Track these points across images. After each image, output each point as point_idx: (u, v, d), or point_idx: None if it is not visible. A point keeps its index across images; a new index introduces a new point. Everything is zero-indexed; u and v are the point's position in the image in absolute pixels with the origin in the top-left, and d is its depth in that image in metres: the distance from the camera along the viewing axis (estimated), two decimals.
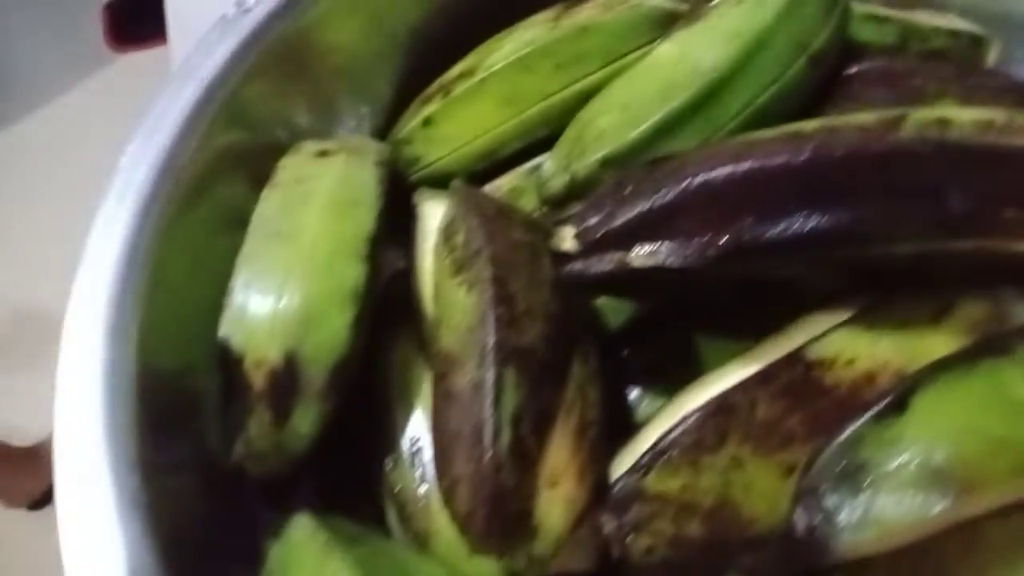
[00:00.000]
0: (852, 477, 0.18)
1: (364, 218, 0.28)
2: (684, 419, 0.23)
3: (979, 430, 0.18)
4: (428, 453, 0.27)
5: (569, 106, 0.32)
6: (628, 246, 0.23)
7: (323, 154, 0.30)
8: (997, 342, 0.19)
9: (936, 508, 0.17)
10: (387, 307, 0.30)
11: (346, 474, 0.30)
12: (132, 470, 0.23)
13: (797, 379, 0.23)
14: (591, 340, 0.26)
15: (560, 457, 0.23)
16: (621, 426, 0.27)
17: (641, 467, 0.23)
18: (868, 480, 0.18)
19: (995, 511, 0.18)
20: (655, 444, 0.23)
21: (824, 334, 0.23)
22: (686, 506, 0.22)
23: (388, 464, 0.28)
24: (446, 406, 0.24)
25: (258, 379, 0.25)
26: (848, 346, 0.23)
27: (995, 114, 0.21)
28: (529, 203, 0.32)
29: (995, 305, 0.23)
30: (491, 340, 0.23)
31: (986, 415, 0.18)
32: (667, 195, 0.23)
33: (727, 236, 0.22)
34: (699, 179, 0.22)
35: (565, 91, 0.32)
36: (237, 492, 0.27)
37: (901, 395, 0.18)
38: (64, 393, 0.24)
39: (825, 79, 0.29)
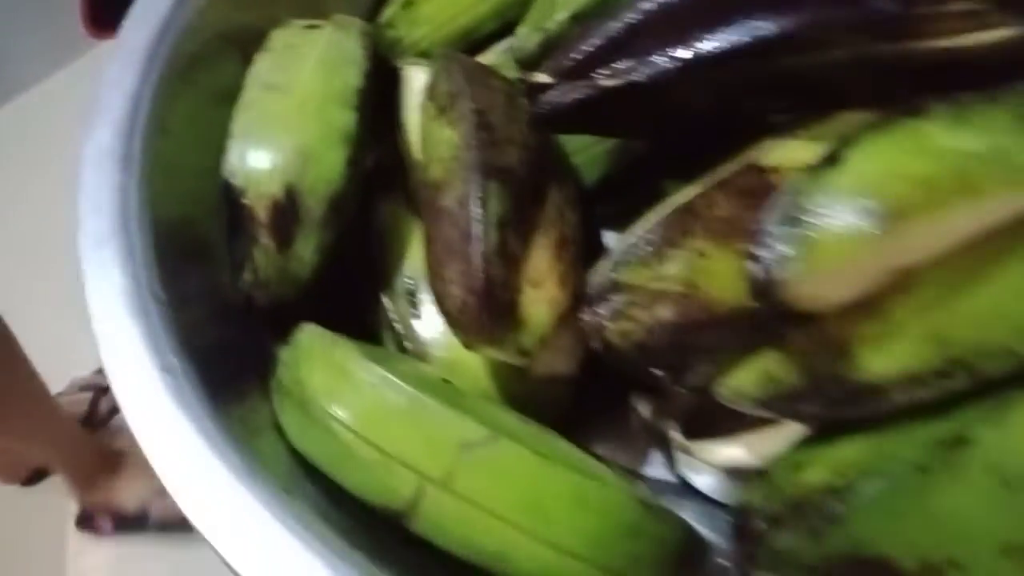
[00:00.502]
0: (794, 219, 0.20)
1: (352, 74, 0.30)
2: (650, 221, 0.25)
3: (905, 173, 0.20)
4: (422, 289, 0.29)
5: None
6: (597, 70, 0.26)
7: (311, 27, 0.32)
8: (916, 105, 0.21)
9: (868, 235, 0.20)
10: (375, 178, 0.32)
11: (346, 314, 0.32)
12: (154, 280, 0.25)
13: (752, 181, 0.25)
14: (568, 173, 0.29)
15: (542, 262, 0.26)
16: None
17: (614, 262, 0.25)
18: (808, 220, 0.20)
19: (925, 254, 0.21)
20: (626, 245, 0.25)
21: (777, 144, 0.26)
22: (657, 294, 0.24)
23: (385, 301, 0.30)
24: (437, 223, 0.26)
25: (261, 211, 0.27)
26: (795, 154, 0.25)
27: None
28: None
29: None
30: (475, 158, 0.25)
31: (911, 160, 0.20)
32: (628, 19, 0.25)
33: (683, 49, 0.24)
34: (652, 2, 0.25)
35: None
36: (246, 323, 0.29)
37: (835, 151, 0.21)
38: (86, 245, 0.26)
39: None
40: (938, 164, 0.20)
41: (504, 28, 0.35)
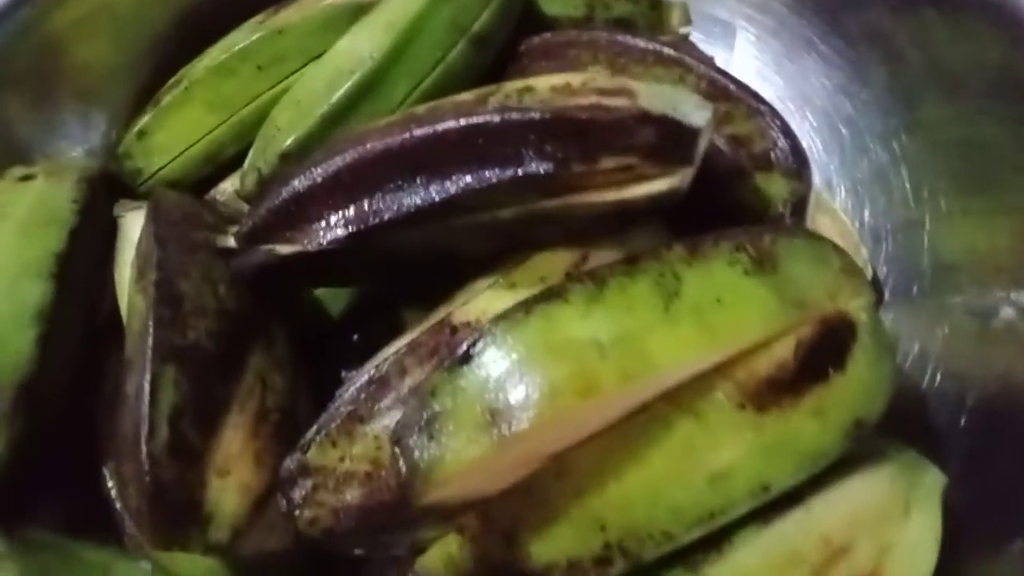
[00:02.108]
0: (428, 425, 0.20)
1: (54, 237, 0.28)
2: (343, 393, 0.24)
3: (536, 367, 0.19)
4: None
5: (276, 101, 0.33)
6: (274, 238, 0.25)
7: (25, 179, 0.31)
8: (555, 288, 0.21)
9: (494, 442, 0.19)
10: (105, 335, 0.30)
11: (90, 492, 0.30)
12: None
13: (443, 341, 0.24)
14: (280, 329, 0.28)
15: (234, 444, 0.25)
16: None
17: (304, 444, 0.24)
18: (440, 426, 0.19)
19: (561, 444, 0.20)
20: (317, 422, 0.24)
21: (469, 299, 0.25)
22: (345, 475, 0.23)
23: (106, 476, 0.28)
24: (120, 411, 0.25)
25: None
26: (489, 306, 0.24)
27: (575, 77, 0.23)
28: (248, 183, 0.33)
29: (624, 254, 0.25)
30: (150, 342, 0.24)
31: (538, 356, 0.19)
32: (297, 187, 0.24)
33: (350, 218, 0.23)
34: (320, 168, 0.24)
35: (271, 91, 0.33)
36: None
37: (468, 348, 0.20)
38: None
39: (500, 55, 0.31)
40: (560, 362, 0.19)
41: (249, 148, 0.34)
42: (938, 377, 0.29)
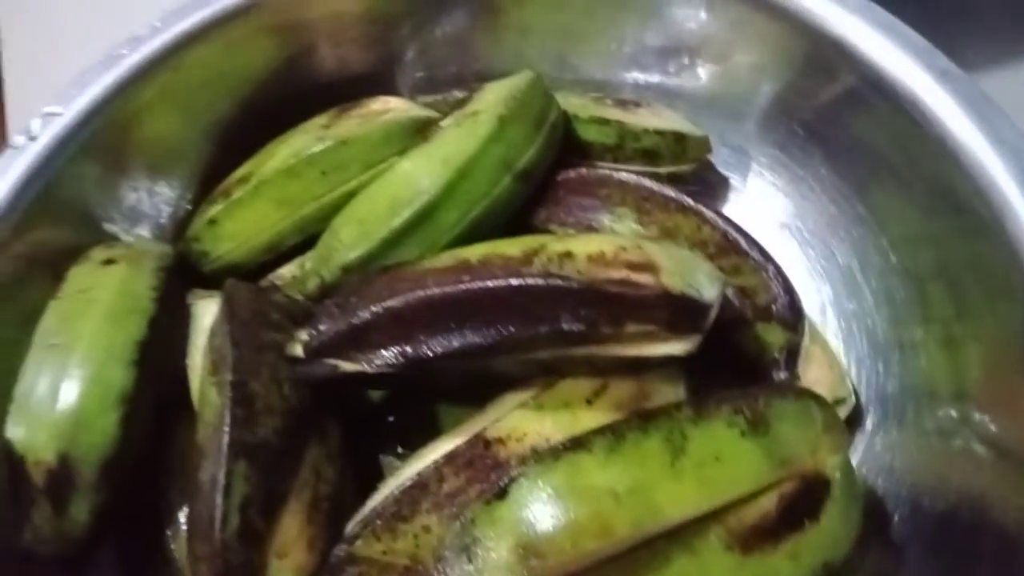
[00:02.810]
0: (468, 550, 0.23)
1: (135, 325, 0.32)
2: (388, 493, 0.28)
3: (558, 511, 0.23)
4: None
5: (337, 204, 0.36)
6: (339, 355, 0.29)
7: (108, 262, 0.34)
8: (580, 439, 0.25)
9: (523, 573, 0.23)
10: (178, 398, 0.34)
11: (147, 546, 0.34)
12: None
13: (478, 455, 0.28)
14: (334, 424, 0.31)
15: (291, 531, 0.28)
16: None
17: (351, 536, 0.28)
18: (478, 552, 0.23)
19: (586, 565, 0.24)
20: (364, 516, 0.28)
21: (503, 416, 0.29)
22: (386, 567, 0.27)
23: (169, 538, 0.32)
24: (194, 496, 0.28)
25: (38, 476, 0.29)
26: (520, 425, 0.28)
27: (609, 245, 0.27)
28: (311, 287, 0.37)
29: (640, 386, 0.29)
30: (225, 440, 0.28)
31: (563, 499, 0.23)
32: (364, 316, 0.28)
33: (407, 349, 0.27)
34: (385, 305, 0.27)
35: (332, 193, 0.37)
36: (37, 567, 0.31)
37: (504, 485, 0.24)
38: None
39: (541, 183, 0.35)
40: (582, 506, 0.23)
41: (307, 240, 0.38)
42: (903, 491, 0.33)
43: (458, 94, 0.41)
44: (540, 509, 0.23)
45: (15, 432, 0.30)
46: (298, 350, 0.30)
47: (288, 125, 0.41)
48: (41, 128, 0.35)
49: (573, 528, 0.23)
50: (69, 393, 0.30)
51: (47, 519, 0.30)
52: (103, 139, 0.37)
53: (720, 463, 0.24)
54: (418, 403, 0.35)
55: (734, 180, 0.42)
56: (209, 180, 0.41)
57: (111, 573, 0.33)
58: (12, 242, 0.34)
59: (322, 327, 0.29)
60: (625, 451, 0.24)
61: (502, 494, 0.24)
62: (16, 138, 0.35)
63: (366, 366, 0.28)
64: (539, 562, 0.23)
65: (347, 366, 0.28)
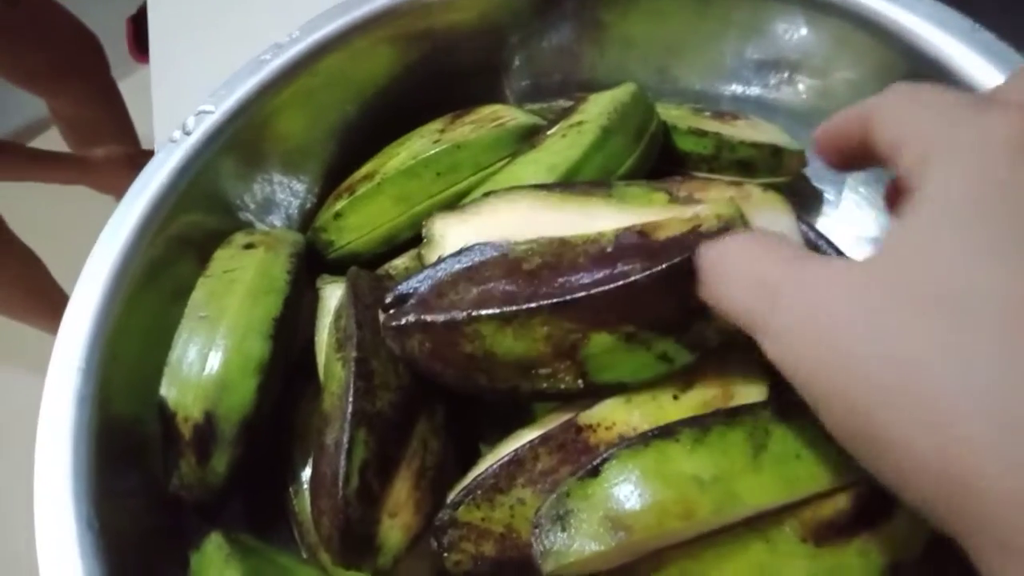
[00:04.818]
0: (562, 519, 0.26)
1: (273, 303, 0.36)
2: (488, 467, 0.31)
3: (645, 492, 0.26)
4: None
5: (449, 202, 0.40)
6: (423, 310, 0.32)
7: (248, 247, 0.39)
8: (669, 427, 0.27)
9: (611, 543, 0.25)
10: (301, 369, 0.38)
11: (271, 500, 0.38)
12: (89, 498, 0.32)
13: (569, 439, 0.31)
14: (440, 401, 0.35)
15: (401, 494, 0.32)
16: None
17: (455, 503, 0.31)
18: (571, 522, 0.26)
19: (660, 546, 0.26)
20: (466, 485, 0.31)
21: (593, 405, 0.31)
22: (484, 532, 0.30)
23: (291, 494, 0.36)
24: (319, 456, 0.32)
25: (186, 431, 0.34)
26: (609, 415, 0.31)
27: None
28: None
29: (724, 386, 0.31)
30: (349, 408, 0.31)
31: (650, 481, 0.26)
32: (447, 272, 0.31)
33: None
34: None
35: (445, 192, 0.40)
36: (179, 511, 0.36)
37: (597, 464, 0.26)
38: (41, 444, 0.33)
39: None
40: (668, 489, 0.26)
41: (420, 234, 0.41)
42: None
43: (563, 103, 0.43)
44: (629, 488, 0.26)
45: (169, 392, 0.35)
46: (388, 298, 0.33)
47: (405, 129, 0.45)
48: (195, 124, 0.40)
49: (658, 508, 0.25)
50: (215, 360, 0.34)
51: (192, 468, 0.34)
52: (245, 136, 0.42)
53: (800, 461, 0.26)
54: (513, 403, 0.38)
55: (828, 194, 0.43)
56: (333, 177, 0.46)
57: (239, 522, 0.38)
58: (167, 225, 0.39)
59: (409, 282, 0.33)
60: (710, 442, 0.26)
61: (595, 472, 0.26)
62: (174, 133, 0.39)
63: (442, 316, 0.31)
64: (626, 535, 0.25)
65: (430, 317, 0.31)
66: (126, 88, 1.35)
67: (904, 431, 0.17)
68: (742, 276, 0.23)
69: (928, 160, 0.20)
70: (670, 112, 0.41)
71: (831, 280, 0.20)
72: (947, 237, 0.18)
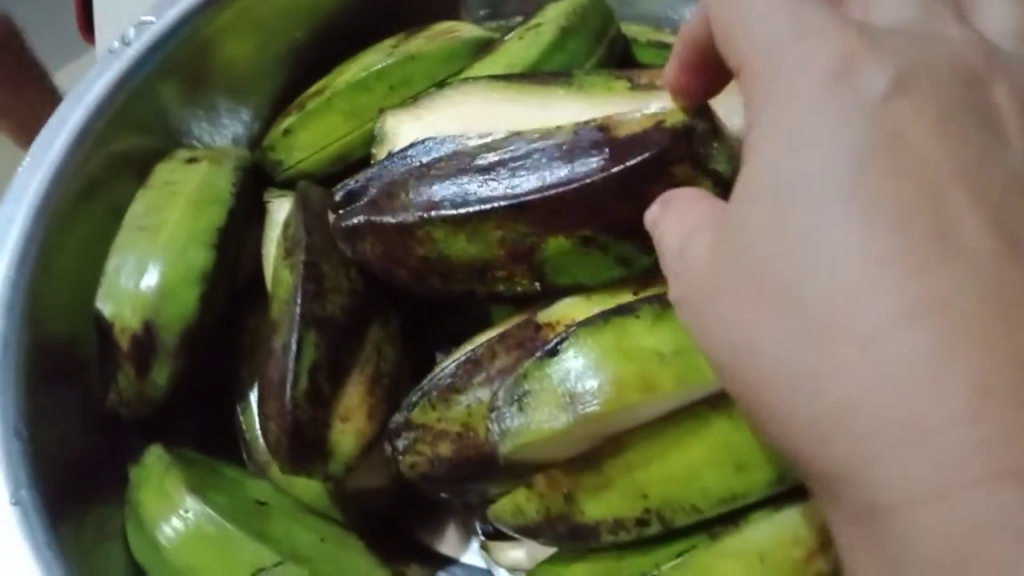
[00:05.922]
0: (519, 400, 0.25)
1: (216, 214, 0.34)
2: (444, 367, 0.30)
3: (605, 367, 0.25)
4: None
5: None
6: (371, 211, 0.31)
7: (191, 160, 0.37)
8: (628, 305, 0.26)
9: (571, 419, 0.24)
10: (248, 288, 0.37)
11: (218, 426, 0.37)
12: (18, 410, 0.30)
13: (528, 337, 0.30)
14: (395, 311, 0.33)
15: (354, 399, 0.30)
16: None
17: (409, 404, 0.30)
18: (528, 402, 0.25)
19: (620, 428, 0.25)
20: (421, 386, 0.30)
21: (550, 304, 0.30)
22: (440, 433, 0.29)
23: (239, 411, 0.35)
24: (266, 361, 0.31)
25: (124, 342, 0.32)
26: (569, 312, 0.30)
27: None
28: None
29: None
30: (297, 311, 0.30)
31: (610, 358, 0.25)
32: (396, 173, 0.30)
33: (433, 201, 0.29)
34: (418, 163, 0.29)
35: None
36: (118, 431, 0.34)
37: (555, 344, 0.25)
38: None
39: None
40: (628, 363, 0.25)
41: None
42: None
43: (519, 20, 0.42)
44: (588, 365, 0.25)
45: (105, 303, 0.33)
46: (337, 196, 0.32)
47: (359, 52, 0.43)
48: (135, 36, 0.38)
49: (619, 382, 0.24)
50: (156, 270, 0.33)
51: (131, 382, 0.32)
52: (188, 53, 0.40)
53: None
54: (472, 309, 0.37)
55: None
56: (282, 102, 0.44)
57: (187, 442, 0.36)
58: (105, 139, 0.37)
59: (359, 179, 0.31)
60: (671, 317, 0.25)
61: (553, 352, 0.25)
62: (113, 43, 0.37)
63: (393, 218, 0.29)
64: (586, 411, 0.24)
65: (380, 219, 0.30)
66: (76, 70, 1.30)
67: (748, 408, 0.17)
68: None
69: (753, 97, 0.17)
70: (630, 27, 0.40)
71: (701, 259, 0.19)
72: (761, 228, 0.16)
